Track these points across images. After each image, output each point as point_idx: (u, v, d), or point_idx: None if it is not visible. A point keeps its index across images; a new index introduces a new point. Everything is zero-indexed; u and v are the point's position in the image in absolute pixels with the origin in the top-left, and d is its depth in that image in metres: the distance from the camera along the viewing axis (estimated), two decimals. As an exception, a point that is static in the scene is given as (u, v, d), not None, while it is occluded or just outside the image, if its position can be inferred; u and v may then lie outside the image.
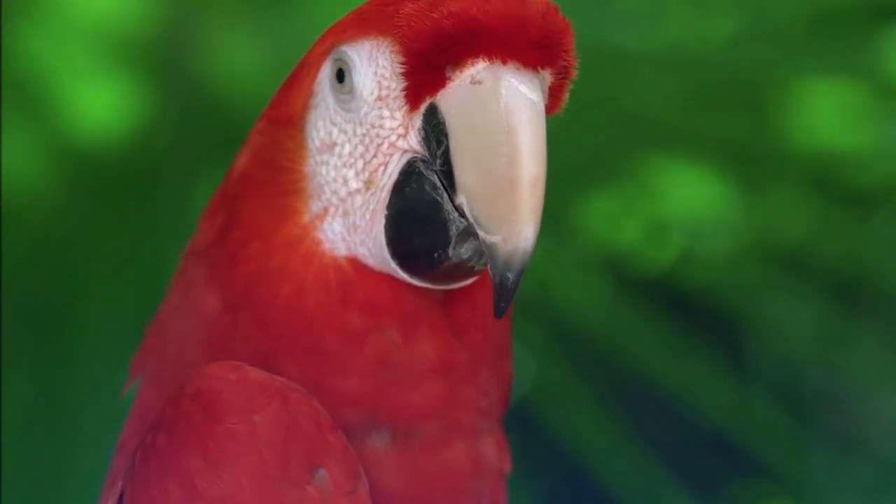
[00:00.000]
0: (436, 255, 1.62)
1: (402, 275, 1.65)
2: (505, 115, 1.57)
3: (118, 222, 3.68)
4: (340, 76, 1.67)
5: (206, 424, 1.58)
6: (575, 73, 1.66)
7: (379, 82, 1.65)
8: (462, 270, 1.65)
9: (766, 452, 3.77)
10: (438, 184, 1.62)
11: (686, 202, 3.80)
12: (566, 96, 1.68)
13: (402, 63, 1.62)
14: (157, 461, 1.61)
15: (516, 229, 1.57)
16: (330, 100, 1.69)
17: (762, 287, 3.80)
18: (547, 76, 1.63)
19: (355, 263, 1.67)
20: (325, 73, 1.69)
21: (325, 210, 1.69)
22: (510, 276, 1.57)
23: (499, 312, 1.60)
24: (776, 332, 3.84)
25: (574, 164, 3.74)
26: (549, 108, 1.66)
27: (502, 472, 1.79)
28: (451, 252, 1.61)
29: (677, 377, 3.78)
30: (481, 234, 1.58)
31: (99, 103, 3.65)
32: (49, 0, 3.67)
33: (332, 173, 1.68)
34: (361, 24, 1.66)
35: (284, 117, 1.72)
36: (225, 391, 1.59)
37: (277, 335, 1.69)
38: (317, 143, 1.70)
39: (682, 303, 3.83)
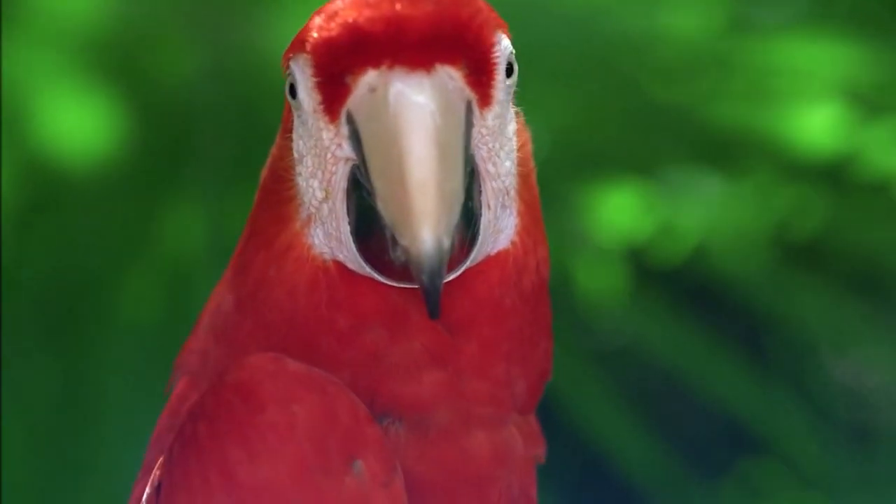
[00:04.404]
0: (387, 258, 1.64)
1: (378, 277, 1.67)
2: (392, 120, 1.58)
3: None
4: (293, 91, 1.70)
5: (245, 414, 1.61)
6: (497, 63, 1.65)
7: (310, 95, 1.67)
8: None
9: (785, 443, 3.78)
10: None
11: (703, 195, 3.82)
12: (500, 86, 1.67)
13: (313, 76, 1.65)
14: (196, 450, 1.63)
15: (412, 233, 1.56)
16: (295, 113, 1.73)
17: (780, 278, 3.81)
18: (452, 72, 1.62)
19: (340, 266, 1.70)
20: (286, 87, 1.72)
21: (310, 217, 1.71)
22: (423, 278, 1.57)
23: (430, 315, 1.59)
24: (795, 323, 3.85)
25: (594, 155, 3.75)
26: (482, 99, 1.65)
27: (533, 461, 1.81)
28: (392, 255, 1.62)
29: (697, 368, 3.80)
30: (396, 237, 1.60)
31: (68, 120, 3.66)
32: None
33: (304, 183, 1.71)
34: (297, 39, 1.68)
35: (284, 127, 1.76)
36: (264, 382, 1.62)
37: (276, 335, 1.72)
38: (295, 153, 1.73)
39: (702, 294, 3.84)
